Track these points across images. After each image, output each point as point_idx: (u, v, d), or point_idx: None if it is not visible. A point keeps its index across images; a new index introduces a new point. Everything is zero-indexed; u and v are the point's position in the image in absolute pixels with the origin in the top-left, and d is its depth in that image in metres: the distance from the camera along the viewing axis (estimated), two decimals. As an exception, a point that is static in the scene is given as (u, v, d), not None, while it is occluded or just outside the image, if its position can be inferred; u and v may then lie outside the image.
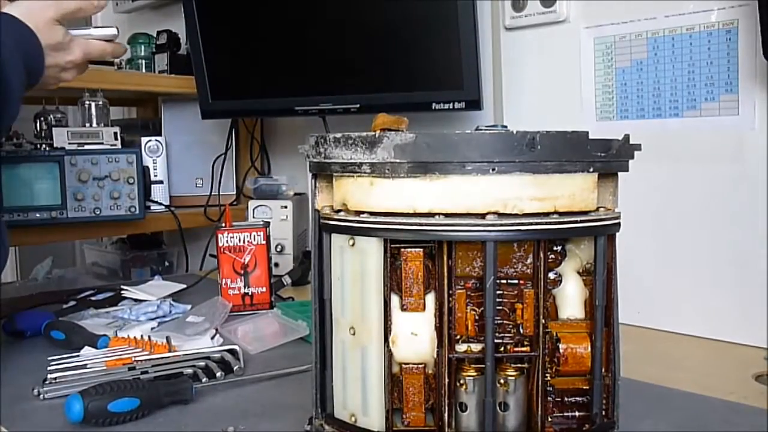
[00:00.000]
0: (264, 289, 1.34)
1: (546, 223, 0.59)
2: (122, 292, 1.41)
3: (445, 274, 0.61)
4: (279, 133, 2.02)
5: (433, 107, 1.36)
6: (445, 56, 1.34)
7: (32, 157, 1.50)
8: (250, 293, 1.33)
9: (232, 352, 1.00)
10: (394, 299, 0.63)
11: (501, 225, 0.58)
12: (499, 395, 0.62)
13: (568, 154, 0.60)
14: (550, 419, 0.64)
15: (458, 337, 0.62)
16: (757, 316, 1.06)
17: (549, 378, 0.63)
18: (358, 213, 0.62)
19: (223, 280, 1.33)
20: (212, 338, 1.11)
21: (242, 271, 1.33)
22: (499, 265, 0.61)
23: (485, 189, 0.58)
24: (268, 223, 1.38)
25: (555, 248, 0.64)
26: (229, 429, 0.77)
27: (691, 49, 1.13)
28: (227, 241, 1.34)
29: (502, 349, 0.62)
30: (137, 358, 0.97)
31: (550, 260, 0.63)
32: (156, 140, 1.80)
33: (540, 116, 1.33)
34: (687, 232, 1.15)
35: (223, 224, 1.35)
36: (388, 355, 0.62)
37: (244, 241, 1.34)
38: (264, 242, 1.34)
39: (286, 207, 1.66)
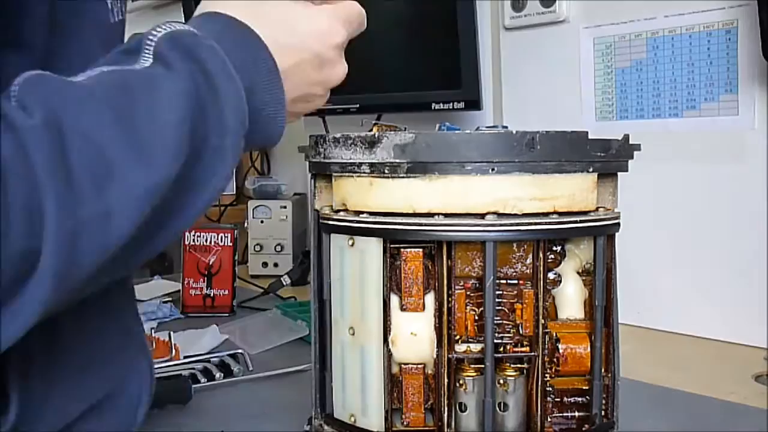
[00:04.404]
0: (226, 292, 1.33)
1: (545, 223, 0.59)
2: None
3: (445, 274, 0.61)
4: (278, 134, 2.01)
5: (432, 107, 1.36)
6: (445, 56, 1.34)
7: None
8: (212, 295, 1.32)
9: (234, 356, 1.00)
10: (394, 299, 0.63)
11: (500, 225, 0.58)
12: (499, 395, 0.62)
13: (567, 154, 0.60)
14: (549, 419, 0.64)
15: (458, 337, 0.62)
16: (757, 316, 1.06)
17: (548, 378, 0.63)
18: (358, 213, 0.62)
19: (186, 279, 1.32)
20: (212, 338, 1.11)
21: (206, 272, 1.32)
22: (499, 265, 0.61)
23: (485, 189, 0.58)
24: (236, 226, 1.36)
25: (554, 248, 0.64)
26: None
27: (690, 49, 1.13)
28: (193, 240, 1.32)
29: (501, 349, 0.62)
30: (137, 359, 0.97)
31: (549, 260, 0.63)
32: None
33: (540, 116, 1.33)
34: (687, 232, 1.15)
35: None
36: (388, 356, 0.62)
37: (210, 242, 1.32)
38: (231, 245, 1.33)
39: (285, 207, 1.66)
